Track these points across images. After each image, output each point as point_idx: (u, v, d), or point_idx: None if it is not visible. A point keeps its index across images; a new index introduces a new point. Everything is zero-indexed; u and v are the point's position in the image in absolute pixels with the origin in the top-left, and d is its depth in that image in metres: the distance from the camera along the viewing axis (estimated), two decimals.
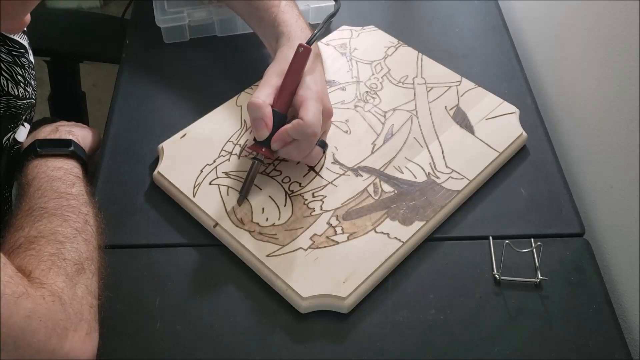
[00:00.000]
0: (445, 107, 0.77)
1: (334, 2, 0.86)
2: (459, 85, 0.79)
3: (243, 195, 0.66)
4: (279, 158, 0.70)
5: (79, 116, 1.11)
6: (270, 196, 0.67)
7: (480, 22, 0.91)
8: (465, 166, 0.70)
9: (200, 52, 0.86)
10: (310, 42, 0.67)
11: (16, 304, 0.48)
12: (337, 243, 0.64)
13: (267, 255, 0.62)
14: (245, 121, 0.75)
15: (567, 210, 0.69)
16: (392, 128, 0.74)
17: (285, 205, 0.66)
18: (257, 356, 0.58)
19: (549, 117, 0.82)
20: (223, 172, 0.69)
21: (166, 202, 0.69)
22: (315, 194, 0.68)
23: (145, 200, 0.69)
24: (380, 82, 0.80)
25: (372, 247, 0.63)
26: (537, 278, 0.62)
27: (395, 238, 0.64)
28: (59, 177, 0.63)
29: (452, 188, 0.68)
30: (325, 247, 0.63)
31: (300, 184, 0.68)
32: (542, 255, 0.63)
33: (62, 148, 0.67)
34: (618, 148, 0.68)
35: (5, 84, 0.65)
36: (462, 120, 0.75)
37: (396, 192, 0.68)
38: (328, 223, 0.65)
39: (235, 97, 0.77)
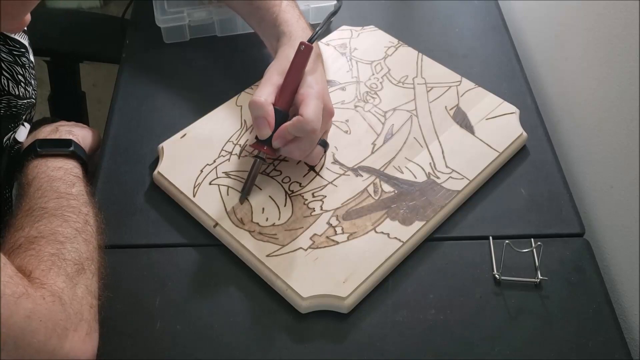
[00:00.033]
0: (445, 107, 0.77)
1: (334, 2, 0.86)
2: (459, 85, 0.79)
3: (245, 194, 0.66)
4: (280, 157, 0.70)
5: (79, 116, 1.11)
6: (270, 196, 0.67)
7: (480, 22, 0.91)
8: (465, 166, 0.70)
9: (200, 52, 0.86)
10: (311, 40, 0.67)
11: (16, 304, 0.48)
12: (337, 243, 0.64)
13: (267, 255, 0.62)
14: (245, 121, 0.75)
15: (567, 210, 0.69)
16: (392, 128, 0.74)
17: (285, 205, 0.66)
18: (257, 356, 0.58)
19: (549, 117, 0.82)
20: (223, 172, 0.69)
21: (166, 202, 0.69)
22: (315, 194, 0.68)
23: (145, 200, 0.69)
24: (380, 82, 0.80)
25: (372, 247, 0.63)
26: (537, 278, 0.62)
27: (395, 238, 0.64)
28: (59, 177, 0.63)
29: (452, 188, 0.68)
30: (325, 247, 0.63)
31: (300, 184, 0.68)
32: (542, 255, 0.63)
33: (62, 148, 0.67)
34: (618, 148, 0.68)
35: (6, 84, 0.65)
36: (462, 120, 0.75)
37: (396, 192, 0.68)
38: (328, 223, 0.65)
39: (236, 97, 0.77)
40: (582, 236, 0.67)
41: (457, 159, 0.71)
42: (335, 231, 0.64)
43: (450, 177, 0.69)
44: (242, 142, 0.72)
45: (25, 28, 0.67)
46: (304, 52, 0.66)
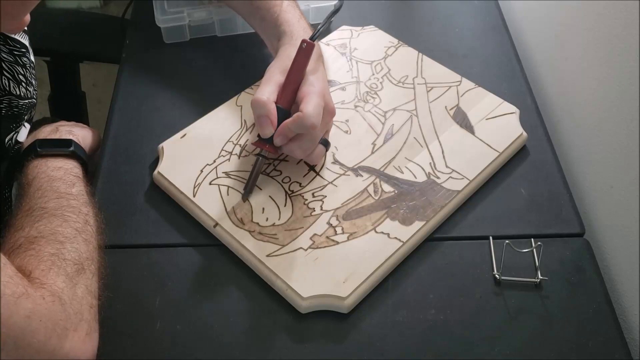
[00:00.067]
0: (445, 107, 0.77)
1: (334, 1, 0.86)
2: (459, 85, 0.79)
3: (247, 192, 0.66)
4: (281, 157, 0.70)
5: (79, 116, 1.11)
6: (270, 196, 0.67)
7: (480, 22, 0.91)
8: (465, 166, 0.70)
9: (200, 52, 0.86)
10: (313, 38, 0.67)
11: (16, 304, 0.48)
12: (337, 243, 0.64)
13: (267, 255, 0.62)
14: (245, 121, 0.74)
15: (567, 210, 0.69)
16: (392, 128, 0.74)
17: (285, 205, 0.66)
18: (257, 356, 0.58)
19: (549, 117, 0.82)
20: (223, 172, 0.69)
21: (166, 202, 0.69)
22: (315, 194, 0.68)
23: (145, 200, 0.69)
24: (381, 82, 0.80)
25: (372, 247, 0.63)
26: (537, 278, 0.62)
27: (395, 238, 0.64)
28: (59, 177, 0.63)
29: (452, 188, 0.68)
30: (325, 247, 0.63)
31: (300, 184, 0.68)
32: (542, 255, 0.63)
33: (62, 148, 0.67)
34: (618, 148, 0.68)
35: (7, 84, 0.65)
36: (462, 120, 0.75)
37: (396, 192, 0.68)
38: (328, 223, 0.65)
39: (236, 97, 0.77)
40: (582, 236, 0.67)
41: (457, 159, 0.71)
42: (335, 231, 0.64)
43: (450, 177, 0.69)
44: (242, 142, 0.72)
45: (26, 28, 0.67)
46: (305, 50, 0.66)
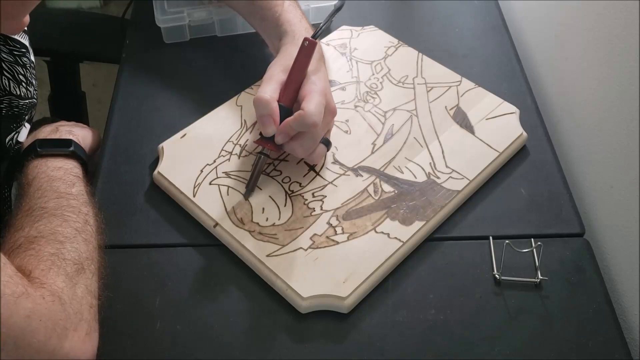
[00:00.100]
0: (445, 107, 0.77)
1: (335, 1, 0.85)
2: (459, 85, 0.79)
3: (249, 190, 0.66)
4: (282, 156, 0.70)
5: (79, 116, 1.11)
6: (270, 196, 0.67)
7: (480, 22, 0.91)
8: (465, 166, 0.70)
9: (200, 52, 0.86)
10: (315, 36, 0.67)
11: (16, 304, 0.48)
12: (337, 243, 0.64)
13: (267, 255, 0.62)
14: (245, 121, 0.74)
15: (567, 210, 0.69)
16: (392, 128, 0.74)
17: (285, 205, 0.66)
18: (257, 356, 0.58)
19: (549, 117, 0.82)
20: (223, 172, 0.69)
21: (166, 202, 0.69)
22: (315, 194, 0.68)
23: (145, 200, 0.69)
24: (381, 82, 0.80)
25: (372, 247, 0.63)
26: (537, 278, 0.62)
27: (395, 238, 0.64)
28: (59, 177, 0.63)
29: (452, 188, 0.68)
30: (325, 247, 0.63)
31: (300, 184, 0.68)
32: (542, 255, 0.63)
33: (62, 148, 0.67)
34: (618, 148, 0.68)
35: (7, 84, 0.65)
36: (462, 120, 0.75)
37: (396, 192, 0.68)
38: (328, 223, 0.65)
39: (236, 97, 0.77)
40: (582, 236, 0.67)
41: (457, 159, 0.71)
42: (335, 231, 0.64)
43: (450, 177, 0.69)
44: (242, 142, 0.72)
45: (26, 28, 0.67)
46: (307, 48, 0.66)
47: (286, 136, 0.64)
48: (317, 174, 0.69)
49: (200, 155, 0.71)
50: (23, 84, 0.66)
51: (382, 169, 0.70)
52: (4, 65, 0.65)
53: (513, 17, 0.95)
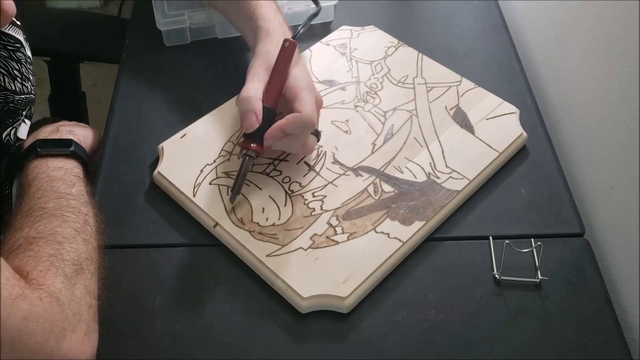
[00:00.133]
0: (445, 107, 0.77)
1: (313, 6, 0.85)
2: (459, 85, 0.79)
3: (235, 193, 0.65)
4: (280, 157, 0.70)
5: (79, 116, 1.11)
6: (270, 196, 0.67)
7: (480, 22, 0.91)
8: (465, 166, 0.70)
9: (200, 52, 0.86)
10: (294, 37, 0.68)
11: (12, 306, 0.48)
12: (337, 243, 0.63)
13: (267, 255, 0.62)
14: None
15: (567, 210, 0.69)
16: (392, 128, 0.74)
17: (285, 205, 0.66)
18: (257, 356, 0.58)
19: (549, 117, 0.82)
20: (223, 172, 0.69)
21: (166, 202, 0.69)
22: (315, 194, 0.68)
23: (145, 200, 0.69)
24: (381, 82, 0.80)
25: (372, 247, 0.63)
26: (537, 278, 0.62)
27: (396, 238, 0.64)
28: (59, 177, 0.63)
29: (452, 188, 0.68)
30: (325, 247, 0.63)
31: (300, 184, 0.68)
32: (542, 255, 0.63)
33: (63, 148, 0.67)
34: (618, 148, 0.68)
35: (2, 79, 0.65)
36: (462, 120, 0.75)
37: (396, 192, 0.68)
38: (328, 223, 0.65)
39: (235, 98, 0.77)
40: (582, 236, 0.67)
41: (457, 159, 0.71)
42: (335, 231, 0.64)
43: (450, 177, 0.69)
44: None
45: (19, 22, 0.66)
46: (288, 49, 0.66)
47: (276, 139, 0.64)
48: (317, 173, 0.69)
49: (200, 155, 0.71)
50: (18, 79, 0.66)
51: (382, 169, 0.70)
52: None
53: (513, 17, 0.95)
